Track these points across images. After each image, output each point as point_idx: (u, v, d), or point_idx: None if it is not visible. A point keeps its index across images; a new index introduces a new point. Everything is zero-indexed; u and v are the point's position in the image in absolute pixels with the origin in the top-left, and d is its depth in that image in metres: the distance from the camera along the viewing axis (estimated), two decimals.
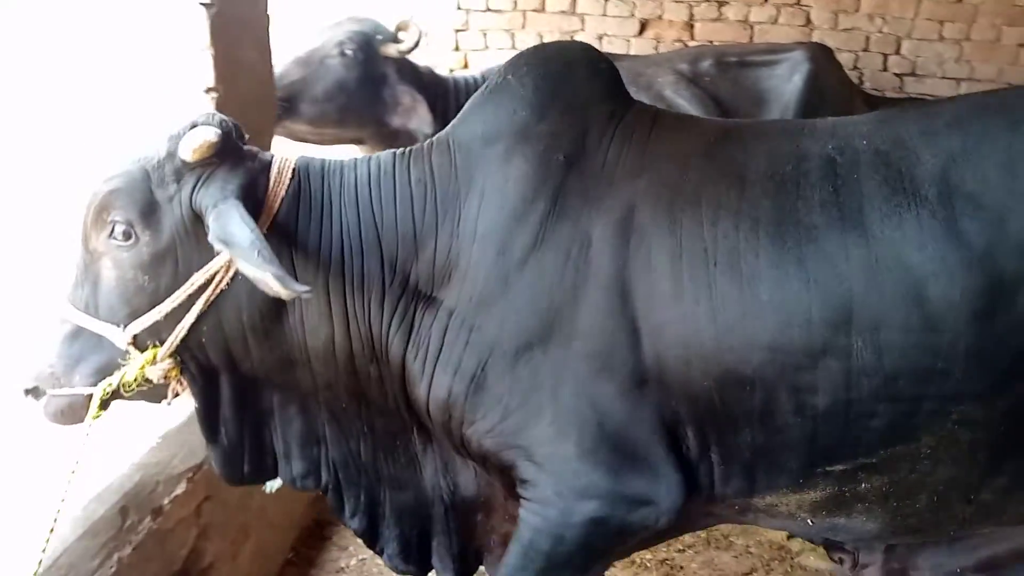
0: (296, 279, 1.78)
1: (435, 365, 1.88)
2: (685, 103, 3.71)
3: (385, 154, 2.05)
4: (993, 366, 1.63)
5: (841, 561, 2.17)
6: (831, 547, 2.17)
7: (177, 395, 1.98)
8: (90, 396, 1.87)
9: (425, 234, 1.91)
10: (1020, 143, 1.66)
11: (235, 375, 1.99)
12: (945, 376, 1.64)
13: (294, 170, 1.94)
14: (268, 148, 2.79)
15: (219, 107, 2.40)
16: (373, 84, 3.80)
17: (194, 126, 1.83)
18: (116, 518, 2.16)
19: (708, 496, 1.91)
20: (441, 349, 1.88)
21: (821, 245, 1.69)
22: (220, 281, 1.83)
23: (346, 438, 2.11)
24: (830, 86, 3.79)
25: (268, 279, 1.65)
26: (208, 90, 2.38)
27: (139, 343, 1.87)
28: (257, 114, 2.68)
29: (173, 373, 1.91)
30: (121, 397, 1.92)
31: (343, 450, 2.12)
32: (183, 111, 2.21)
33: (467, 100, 3.78)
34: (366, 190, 1.96)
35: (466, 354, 1.85)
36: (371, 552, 3.35)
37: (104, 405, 1.89)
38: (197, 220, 1.82)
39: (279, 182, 1.91)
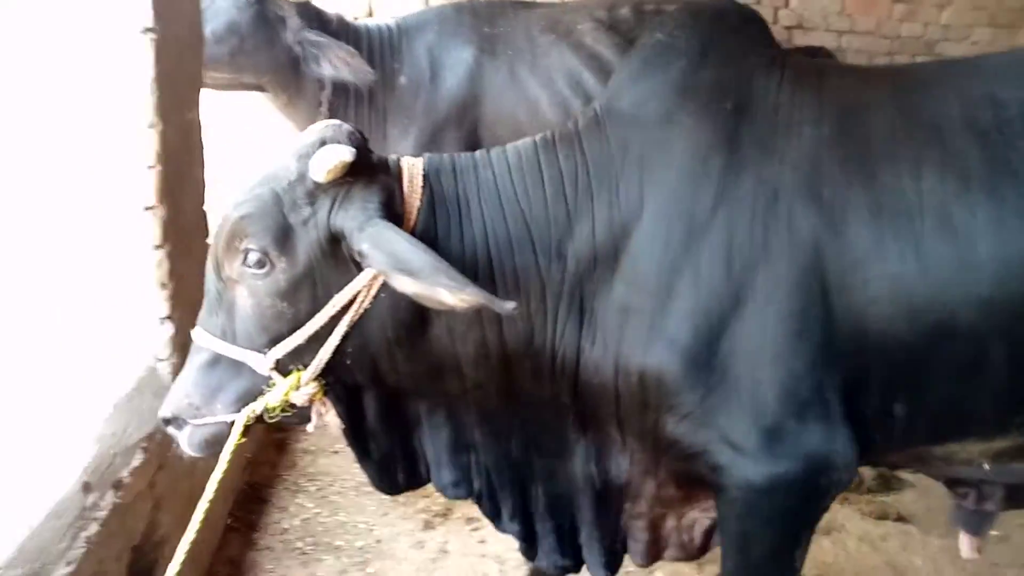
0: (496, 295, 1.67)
1: (621, 345, 1.80)
2: (605, 51, 3.73)
3: (525, 143, 1.96)
4: None
5: (965, 495, 2.22)
6: (953, 483, 2.22)
7: (322, 416, 1.89)
8: (233, 424, 1.79)
9: (580, 211, 1.82)
10: None
11: (381, 390, 1.91)
12: None
13: (424, 175, 1.84)
14: (199, 93, 2.61)
15: (157, 49, 2.21)
16: (269, 27, 3.57)
17: (323, 143, 1.73)
18: (79, 496, 2.01)
19: (884, 448, 1.89)
20: (625, 328, 1.79)
21: None
22: (363, 300, 1.75)
23: (497, 438, 2.05)
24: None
25: (466, 297, 1.56)
26: (146, 30, 2.18)
27: (281, 368, 1.79)
28: (191, 57, 2.49)
29: (318, 396, 1.83)
30: (264, 422, 1.84)
31: (495, 452, 2.06)
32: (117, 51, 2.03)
33: (382, 49, 3.74)
34: (507, 182, 1.86)
35: (668, 327, 1.75)
36: (313, 511, 3.36)
37: (245, 432, 1.82)
38: (334, 242, 1.72)
39: (412, 190, 1.81)
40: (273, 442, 3.83)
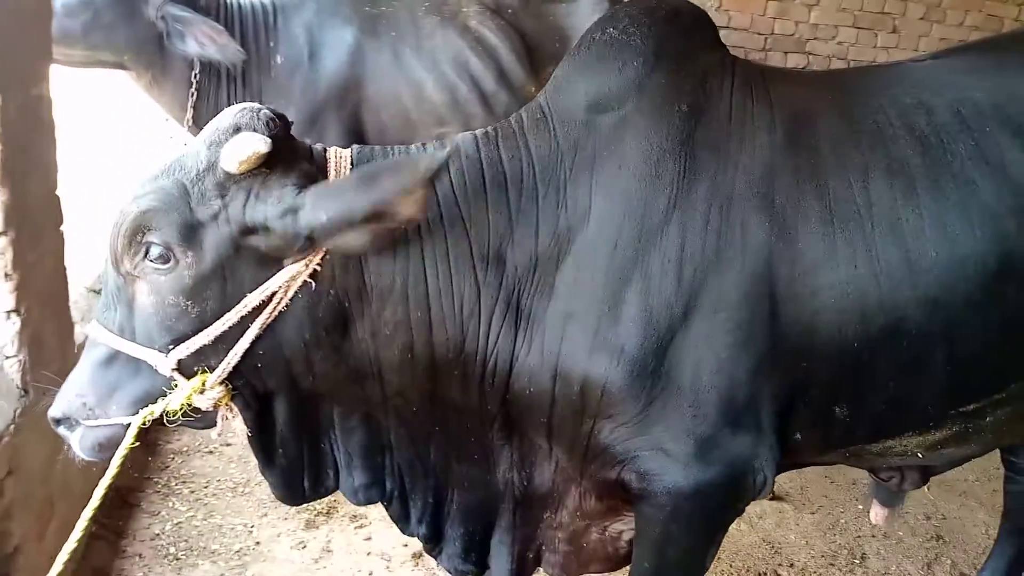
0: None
1: (561, 352, 1.73)
2: (491, 34, 3.69)
3: (465, 140, 1.83)
4: None
5: (888, 479, 2.30)
6: (877, 470, 2.28)
7: (228, 420, 1.76)
8: (129, 427, 1.66)
9: (523, 215, 1.73)
10: None
11: (292, 394, 1.76)
12: None
13: (352, 167, 1.70)
14: (47, 66, 2.39)
15: None
16: (128, 0, 3.33)
17: (236, 130, 1.58)
18: None
19: (819, 449, 1.91)
20: (567, 335, 1.72)
21: (981, 198, 1.71)
22: (280, 300, 1.63)
23: (414, 441, 1.96)
24: None
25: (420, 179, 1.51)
26: None
27: (184, 369, 1.65)
28: (37, 27, 2.27)
29: (224, 400, 1.70)
30: (163, 425, 1.70)
31: (410, 454, 1.97)
32: None
33: (256, 27, 3.56)
34: (445, 179, 1.74)
35: (614, 335, 1.69)
36: (186, 514, 3.18)
37: (140, 436, 1.67)
38: (248, 236, 1.59)
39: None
40: (142, 443, 3.59)
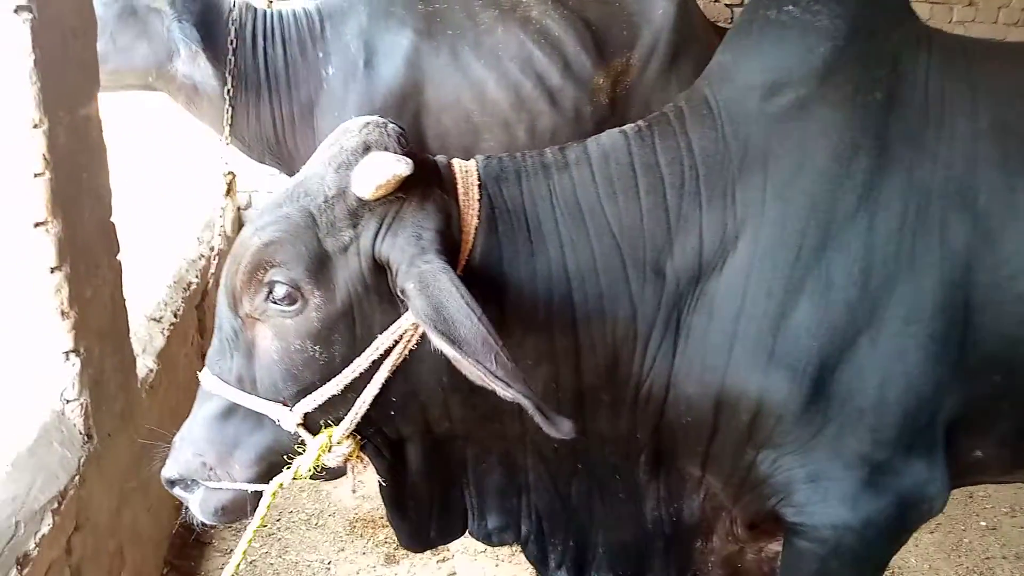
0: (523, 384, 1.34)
1: (727, 373, 1.55)
2: (554, 25, 3.45)
3: (612, 139, 1.65)
4: None
5: None
6: None
7: (360, 473, 1.64)
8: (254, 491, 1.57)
9: (684, 223, 1.55)
10: None
11: (427, 439, 1.62)
12: None
13: (481, 184, 1.55)
14: (95, 85, 2.22)
15: (34, 32, 1.82)
16: (139, 22, 3.17)
17: (366, 149, 1.44)
18: None
19: (1007, 468, 1.74)
20: (734, 353, 1.53)
21: None
22: (410, 341, 1.46)
23: (555, 482, 1.79)
24: (695, 11, 3.70)
25: (509, 395, 1.31)
26: (19, 9, 1.79)
27: (310, 423, 1.51)
28: (82, 42, 2.10)
29: (353, 453, 1.56)
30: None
31: (550, 496, 1.81)
32: None
33: (302, 37, 3.37)
34: (591, 190, 1.56)
35: (789, 350, 1.50)
36: (260, 551, 3.01)
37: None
38: (379, 273, 1.43)
39: (468, 203, 1.51)
40: None
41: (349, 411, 1.50)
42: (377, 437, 1.59)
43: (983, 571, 3.00)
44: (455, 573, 2.93)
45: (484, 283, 1.49)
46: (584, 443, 1.74)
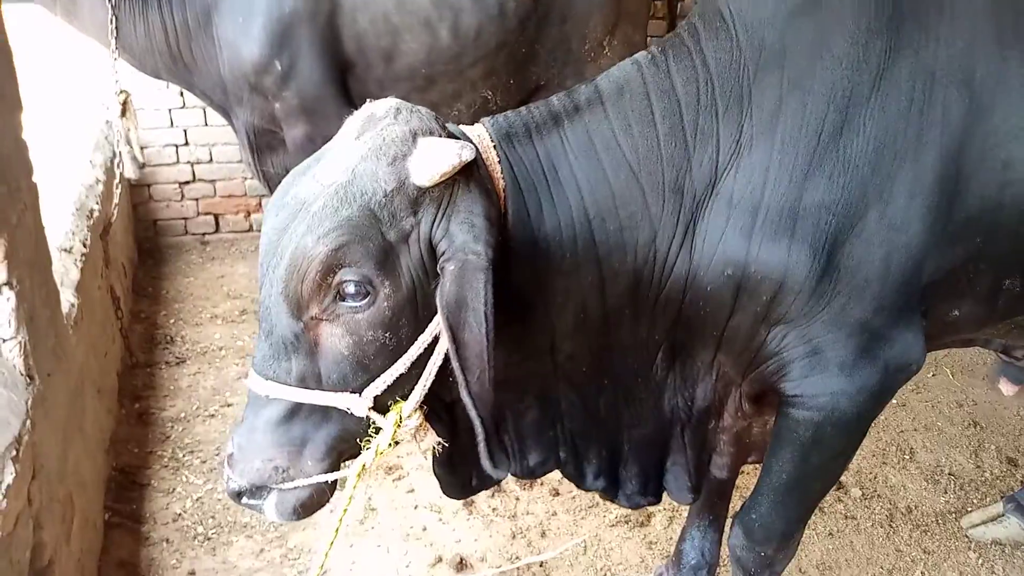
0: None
1: (749, 257, 1.60)
2: None
3: (622, 69, 1.68)
4: None
5: (1021, 359, 2.26)
6: (1009, 349, 2.23)
7: (419, 441, 1.69)
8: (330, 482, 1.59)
9: (701, 139, 1.60)
10: None
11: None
12: None
13: (495, 145, 1.58)
14: None
15: None
16: None
17: (414, 136, 1.46)
18: None
19: (979, 324, 1.84)
20: (751, 243, 1.59)
21: None
22: None
23: (585, 403, 1.86)
24: None
25: (472, 414, 1.46)
26: None
27: (379, 405, 1.54)
28: None
29: (422, 425, 1.62)
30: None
31: (582, 417, 1.88)
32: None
33: None
34: (606, 131, 1.60)
35: (808, 232, 1.57)
36: (204, 488, 2.87)
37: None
38: (435, 253, 1.47)
39: (493, 172, 1.55)
40: (133, 414, 3.24)
41: (416, 385, 1.54)
42: (436, 403, 1.64)
43: (899, 443, 3.27)
44: (414, 490, 2.91)
45: (517, 243, 1.56)
46: (608, 357, 1.79)
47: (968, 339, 2.08)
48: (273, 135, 3.36)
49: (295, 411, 1.53)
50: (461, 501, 2.86)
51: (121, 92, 3.22)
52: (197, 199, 4.87)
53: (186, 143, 4.72)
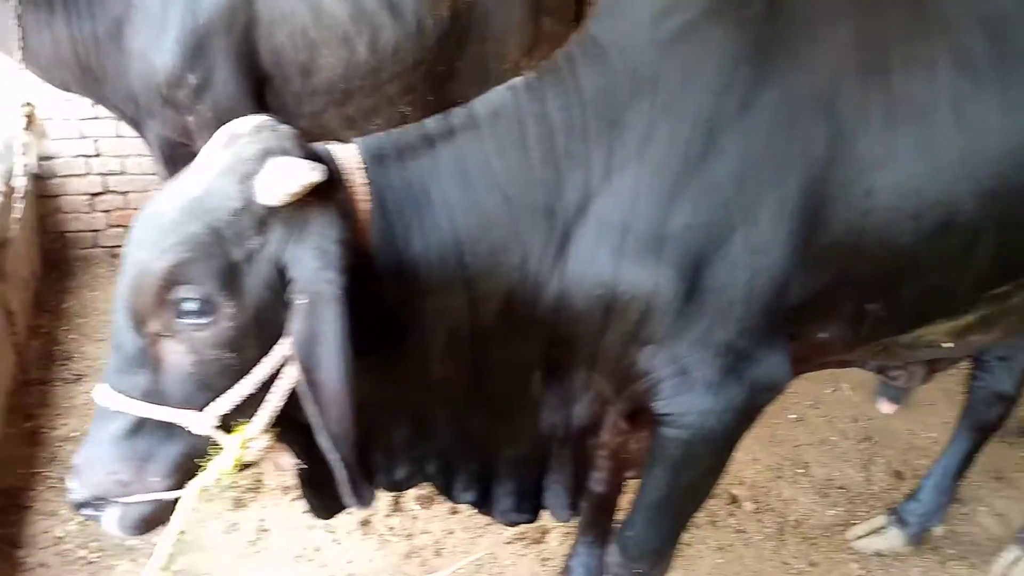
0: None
1: (616, 283, 1.63)
2: None
3: (499, 93, 1.72)
4: None
5: (896, 378, 2.33)
6: (883, 369, 2.32)
7: (279, 464, 1.74)
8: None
9: (573, 162, 1.62)
10: None
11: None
12: None
13: (365, 168, 1.58)
14: None
15: None
16: None
17: (266, 155, 1.44)
18: None
19: (847, 346, 1.88)
20: (620, 264, 1.62)
21: None
22: None
23: (458, 422, 1.88)
24: None
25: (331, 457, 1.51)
26: None
27: (225, 424, 1.52)
28: None
29: (272, 445, 1.61)
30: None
31: (454, 435, 1.89)
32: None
33: None
34: (479, 151, 1.63)
35: (673, 255, 1.61)
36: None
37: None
38: (283, 275, 1.45)
39: (358, 194, 1.54)
40: (22, 433, 3.14)
41: (262, 407, 1.52)
42: (291, 424, 1.61)
43: (794, 457, 3.36)
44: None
45: (382, 267, 1.57)
46: (483, 377, 1.80)
47: (843, 360, 2.16)
48: (187, 148, 3.30)
49: (140, 426, 1.52)
50: (358, 521, 2.85)
51: (27, 104, 3.14)
52: (108, 211, 4.75)
53: (97, 154, 4.61)
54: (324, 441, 1.48)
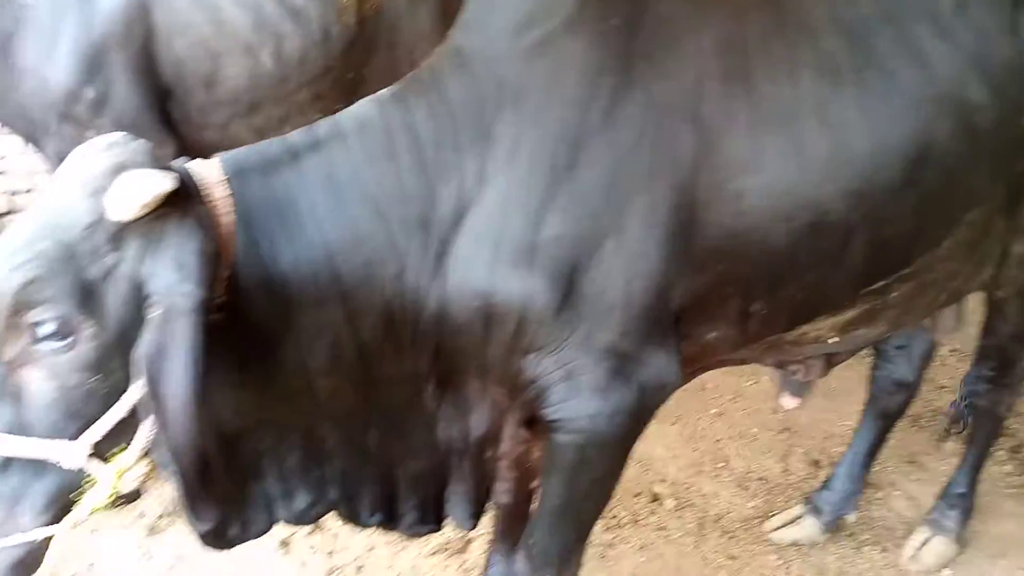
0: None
1: (494, 285, 1.65)
2: None
3: (364, 105, 1.72)
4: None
5: (795, 372, 2.39)
6: (783, 364, 2.37)
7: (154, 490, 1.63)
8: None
9: (445, 173, 1.64)
10: None
11: (219, 441, 1.51)
12: (972, 186, 1.90)
13: (225, 180, 1.54)
14: None
15: None
16: None
17: (119, 170, 1.39)
18: None
19: (736, 345, 1.93)
20: (496, 266, 1.64)
21: (903, 88, 1.76)
22: None
23: (352, 440, 1.84)
24: None
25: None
26: None
27: (100, 451, 1.45)
28: None
29: (150, 472, 1.56)
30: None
31: (351, 454, 1.86)
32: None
33: None
34: (346, 162, 1.62)
35: (547, 264, 1.63)
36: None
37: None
38: (142, 291, 1.41)
39: (219, 208, 1.50)
40: None
41: (137, 433, 1.46)
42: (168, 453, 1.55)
43: (715, 452, 3.42)
44: None
45: (249, 281, 1.54)
46: (374, 392, 1.79)
47: (739, 359, 2.20)
48: None
49: (7, 464, 1.45)
50: (278, 542, 2.81)
51: None
52: None
53: (2, 172, 4.46)
54: (165, 454, 1.43)
